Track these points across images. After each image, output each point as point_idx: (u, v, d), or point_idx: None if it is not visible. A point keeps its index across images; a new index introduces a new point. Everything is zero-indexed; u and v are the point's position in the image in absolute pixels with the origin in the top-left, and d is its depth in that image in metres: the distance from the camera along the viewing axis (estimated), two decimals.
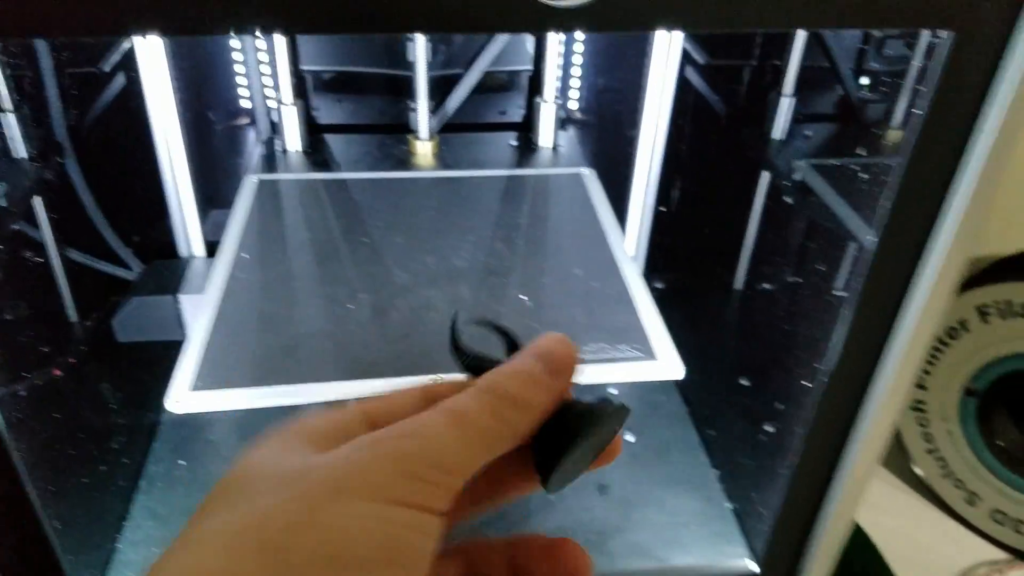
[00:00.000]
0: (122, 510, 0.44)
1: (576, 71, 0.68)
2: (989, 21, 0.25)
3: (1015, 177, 0.32)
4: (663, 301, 0.40)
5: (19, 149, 0.43)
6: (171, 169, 0.53)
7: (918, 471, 0.58)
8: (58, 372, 0.44)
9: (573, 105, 0.73)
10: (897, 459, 0.59)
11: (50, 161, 0.46)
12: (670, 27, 0.25)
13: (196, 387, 0.34)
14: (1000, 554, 0.54)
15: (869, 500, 0.56)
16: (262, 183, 0.50)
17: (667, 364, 0.37)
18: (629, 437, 0.50)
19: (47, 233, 0.47)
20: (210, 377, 0.35)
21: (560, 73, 0.56)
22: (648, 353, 0.37)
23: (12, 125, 0.42)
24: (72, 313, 0.50)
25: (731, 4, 0.22)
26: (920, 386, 0.55)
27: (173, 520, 0.44)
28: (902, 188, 0.29)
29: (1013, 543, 0.54)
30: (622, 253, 0.44)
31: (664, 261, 0.57)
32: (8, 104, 0.42)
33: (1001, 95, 0.26)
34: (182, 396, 0.34)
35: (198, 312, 0.39)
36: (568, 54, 0.65)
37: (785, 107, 0.50)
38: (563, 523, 0.44)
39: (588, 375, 0.36)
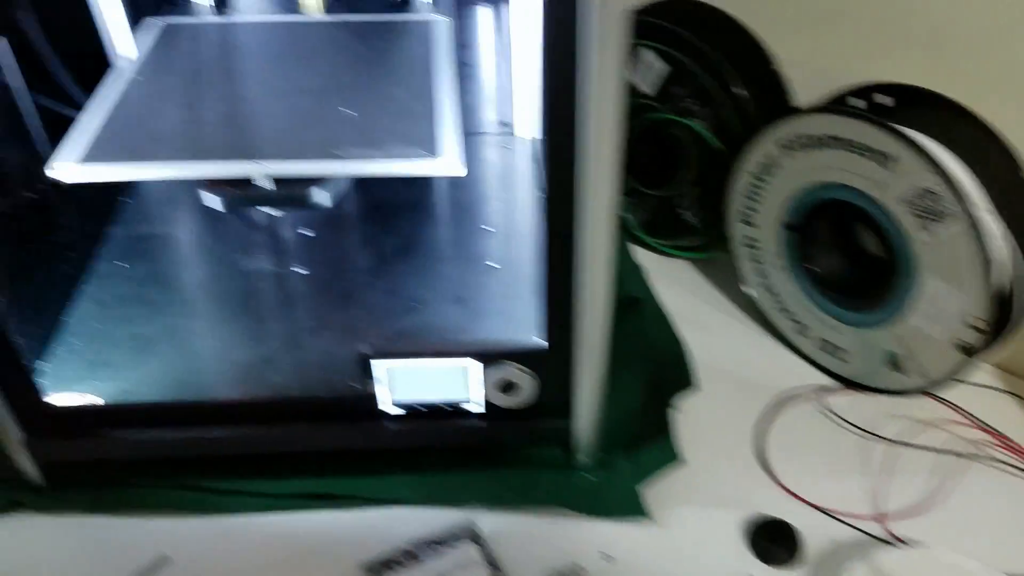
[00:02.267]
0: (68, 294, 0.54)
1: None
2: None
3: None
4: None
5: None
6: None
7: (757, 305, 0.65)
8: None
9: None
10: (740, 296, 0.66)
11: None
12: None
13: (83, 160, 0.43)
14: (828, 381, 0.61)
15: (711, 328, 0.63)
16: (168, 27, 0.58)
17: (450, 163, 0.44)
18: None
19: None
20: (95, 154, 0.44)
21: None
22: (430, 153, 0.45)
23: None
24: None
25: None
26: (748, 223, 0.62)
27: (112, 306, 0.54)
28: None
29: (839, 371, 0.60)
30: (443, 84, 0.51)
31: None
32: None
33: None
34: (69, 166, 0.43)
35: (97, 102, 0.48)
36: None
37: None
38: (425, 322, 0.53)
39: (388, 168, 0.44)
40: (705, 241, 0.69)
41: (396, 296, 0.55)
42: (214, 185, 0.47)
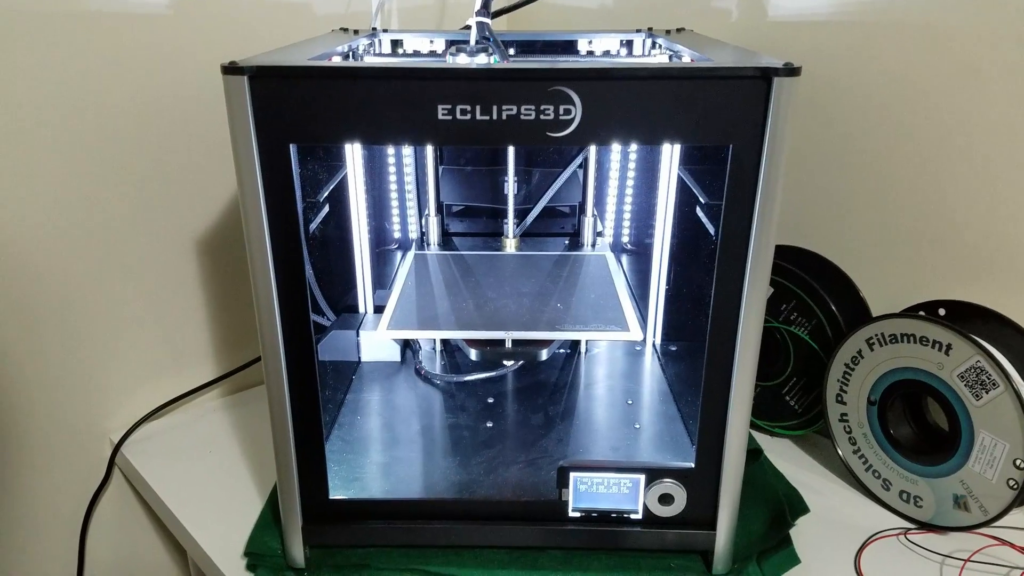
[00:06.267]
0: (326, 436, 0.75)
1: (614, 205, 1.02)
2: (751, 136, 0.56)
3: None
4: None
5: None
6: (361, 261, 0.88)
7: (849, 468, 0.81)
8: None
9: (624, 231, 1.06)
10: (836, 462, 0.83)
11: None
12: (600, 143, 0.57)
13: (389, 327, 0.67)
14: (908, 525, 0.76)
15: (813, 487, 0.79)
16: (417, 255, 0.84)
17: (634, 333, 0.66)
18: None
19: None
20: (395, 325, 0.67)
21: (593, 201, 0.90)
22: (625, 328, 0.67)
23: None
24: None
25: (623, 130, 0.55)
26: (841, 402, 0.80)
27: (353, 440, 0.75)
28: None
29: (916, 515, 0.75)
30: (621, 288, 0.74)
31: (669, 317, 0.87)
32: None
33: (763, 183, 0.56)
34: (384, 329, 0.67)
35: (390, 298, 0.73)
36: (620, 195, 0.99)
37: None
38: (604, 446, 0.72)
39: (596, 336, 0.65)
40: (803, 421, 0.87)
41: (575, 434, 0.75)
42: (471, 343, 0.70)
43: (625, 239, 1.02)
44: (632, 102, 0.55)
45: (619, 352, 0.92)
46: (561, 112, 0.55)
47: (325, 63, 0.57)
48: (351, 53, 0.71)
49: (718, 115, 0.55)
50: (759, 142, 0.55)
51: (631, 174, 0.96)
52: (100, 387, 0.88)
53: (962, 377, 0.70)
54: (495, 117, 0.55)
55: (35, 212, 0.79)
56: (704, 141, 0.56)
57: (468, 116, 0.55)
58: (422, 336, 0.79)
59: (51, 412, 0.85)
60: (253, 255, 0.58)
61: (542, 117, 0.55)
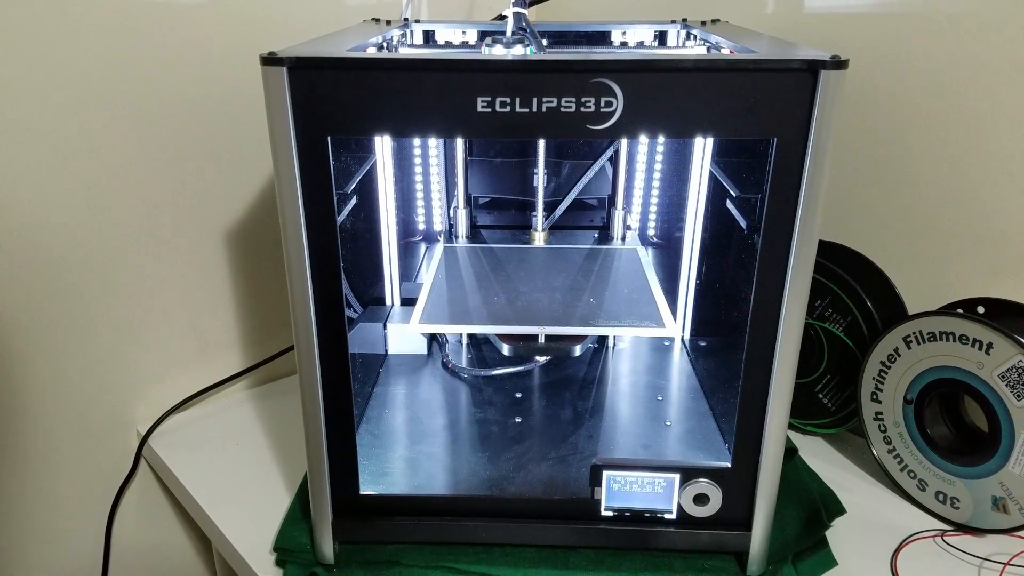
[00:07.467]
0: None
1: (641, 198, 1.00)
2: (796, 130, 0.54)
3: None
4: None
5: None
6: (388, 254, 0.87)
7: (884, 468, 0.80)
8: None
9: (650, 224, 1.04)
10: (870, 461, 0.81)
11: None
12: (641, 136, 0.56)
13: (422, 321, 0.66)
14: (945, 526, 0.75)
15: (847, 487, 0.78)
16: (447, 248, 0.84)
17: (669, 329, 0.65)
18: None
19: None
20: (427, 319, 0.67)
21: (624, 194, 0.89)
22: (660, 324, 0.66)
23: None
24: None
25: (665, 123, 0.54)
26: (876, 400, 0.79)
27: (381, 434, 0.75)
28: None
29: (953, 517, 0.74)
30: (654, 283, 0.73)
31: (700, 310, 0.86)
32: None
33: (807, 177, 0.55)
34: (416, 324, 0.66)
35: (421, 291, 0.73)
36: (646, 188, 0.98)
37: None
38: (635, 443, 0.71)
39: (630, 332, 0.64)
40: (837, 419, 0.86)
41: (605, 430, 0.74)
42: (504, 338, 0.69)
43: (651, 232, 1.01)
44: (675, 94, 0.53)
45: (647, 347, 0.90)
46: (602, 104, 0.54)
47: (363, 54, 0.57)
48: (385, 44, 0.71)
49: (763, 108, 0.54)
50: (804, 136, 0.54)
51: (658, 167, 0.94)
52: (127, 378, 0.88)
53: (1003, 377, 0.69)
54: (535, 109, 0.54)
55: (65, 202, 0.79)
56: (748, 134, 0.55)
57: (508, 108, 0.54)
58: (455, 331, 0.79)
59: (78, 403, 0.85)
60: (289, 246, 0.57)
61: (583, 109, 0.54)
